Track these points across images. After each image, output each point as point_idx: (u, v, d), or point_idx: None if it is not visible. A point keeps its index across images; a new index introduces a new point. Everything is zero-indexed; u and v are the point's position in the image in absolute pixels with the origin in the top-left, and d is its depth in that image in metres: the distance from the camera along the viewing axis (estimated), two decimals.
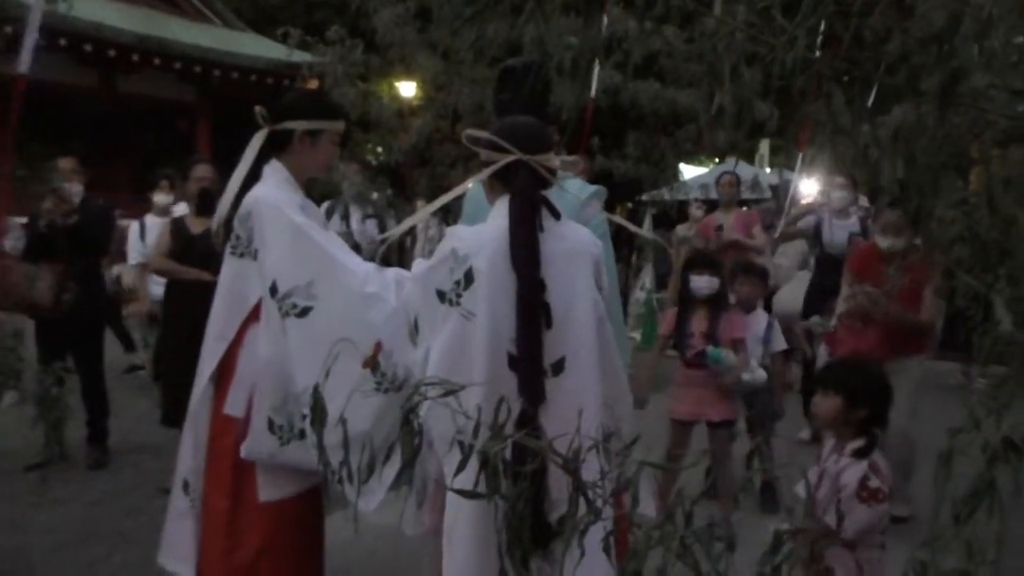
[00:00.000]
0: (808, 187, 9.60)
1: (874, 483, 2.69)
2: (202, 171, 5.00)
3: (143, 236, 6.83)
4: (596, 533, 1.22)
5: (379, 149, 14.81)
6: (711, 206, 9.51)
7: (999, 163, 1.44)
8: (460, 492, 1.22)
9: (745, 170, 12.39)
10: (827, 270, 6.01)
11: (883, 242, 4.41)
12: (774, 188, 10.04)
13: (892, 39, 1.29)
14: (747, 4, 1.26)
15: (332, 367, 2.18)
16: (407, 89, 12.42)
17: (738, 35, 1.11)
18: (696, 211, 10.05)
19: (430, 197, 11.04)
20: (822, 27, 1.42)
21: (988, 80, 1.29)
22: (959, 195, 1.25)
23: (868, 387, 2.90)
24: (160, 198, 6.80)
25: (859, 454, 2.77)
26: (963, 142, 1.27)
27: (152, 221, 6.81)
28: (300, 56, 10.72)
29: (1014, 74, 1.36)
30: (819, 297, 5.88)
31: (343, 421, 1.36)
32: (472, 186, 2.85)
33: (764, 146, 18.37)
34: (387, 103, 11.17)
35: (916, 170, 1.19)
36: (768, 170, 15.94)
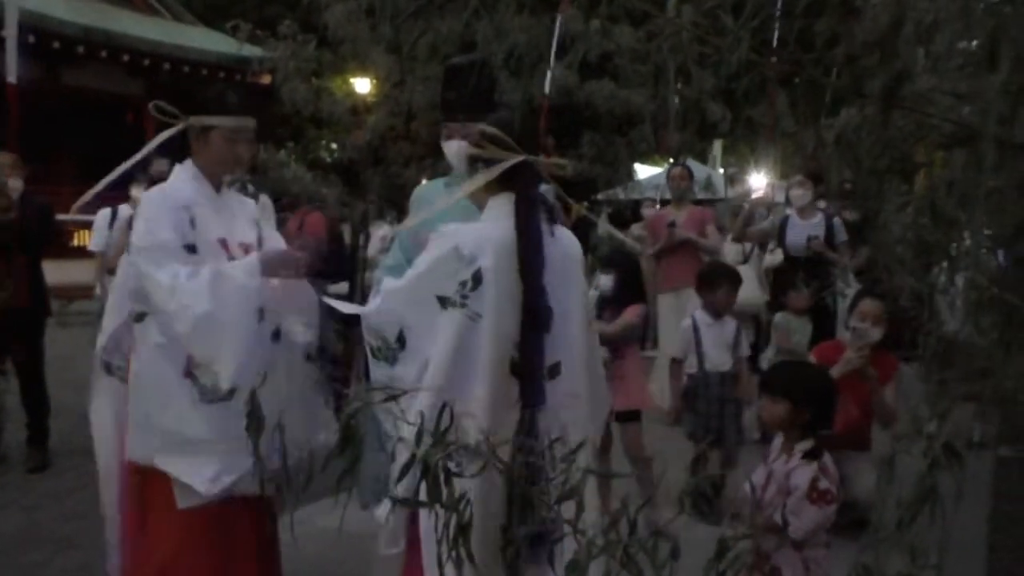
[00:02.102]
0: (758, 180, 9.67)
1: (824, 484, 2.72)
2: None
3: (112, 224, 6.59)
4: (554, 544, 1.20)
5: (333, 146, 14.64)
6: (665, 206, 9.54)
7: (942, 166, 1.44)
8: (400, 501, 1.19)
9: (698, 170, 12.49)
10: (787, 269, 6.17)
11: (856, 324, 4.13)
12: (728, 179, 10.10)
13: (839, 42, 1.29)
14: (695, 4, 1.25)
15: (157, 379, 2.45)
16: (362, 86, 12.28)
17: (684, 35, 1.09)
18: (649, 211, 10.09)
19: (383, 196, 10.97)
20: (776, 30, 1.41)
21: (932, 84, 1.30)
22: (903, 198, 1.25)
23: (811, 390, 2.92)
24: (138, 192, 6.59)
25: (809, 456, 2.80)
26: (907, 145, 1.28)
27: (127, 213, 6.58)
28: (251, 50, 10.55)
29: (958, 77, 1.36)
30: (780, 296, 6.04)
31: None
32: (421, 185, 2.81)
33: (717, 147, 18.54)
34: (340, 99, 11.04)
35: (861, 173, 1.19)
36: (721, 170, 16.07)
